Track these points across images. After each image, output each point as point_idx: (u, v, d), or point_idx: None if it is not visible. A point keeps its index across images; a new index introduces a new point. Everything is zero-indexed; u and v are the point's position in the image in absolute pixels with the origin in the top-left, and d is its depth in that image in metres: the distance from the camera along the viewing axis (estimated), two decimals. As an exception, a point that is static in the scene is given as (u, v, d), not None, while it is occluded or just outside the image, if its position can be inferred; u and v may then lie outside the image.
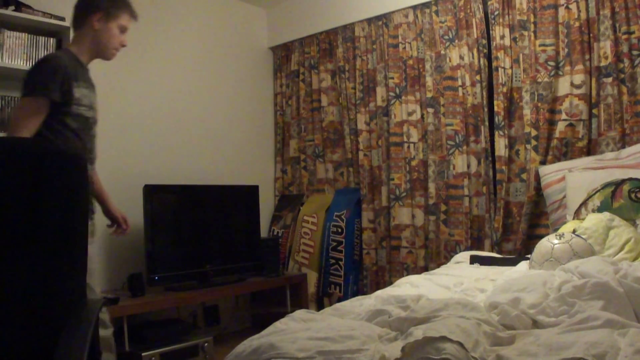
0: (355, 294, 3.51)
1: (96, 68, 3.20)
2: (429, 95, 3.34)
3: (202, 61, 3.82)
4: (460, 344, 1.07)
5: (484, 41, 3.13)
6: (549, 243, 1.92)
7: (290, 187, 4.16)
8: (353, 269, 3.64)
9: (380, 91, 3.59)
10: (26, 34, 2.73)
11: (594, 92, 2.74)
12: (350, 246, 3.65)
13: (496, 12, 3.04)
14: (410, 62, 3.45)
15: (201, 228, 3.41)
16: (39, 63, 2.05)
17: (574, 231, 2.01)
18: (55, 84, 1.93)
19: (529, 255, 2.15)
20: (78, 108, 2.01)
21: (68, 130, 2.00)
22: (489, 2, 3.11)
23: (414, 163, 3.39)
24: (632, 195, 2.16)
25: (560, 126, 2.81)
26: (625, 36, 2.63)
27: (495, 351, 1.11)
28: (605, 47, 2.68)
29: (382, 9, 3.57)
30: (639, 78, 2.61)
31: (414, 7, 3.43)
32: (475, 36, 3.14)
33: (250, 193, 3.69)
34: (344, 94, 3.81)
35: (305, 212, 3.91)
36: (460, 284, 1.93)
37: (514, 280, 1.61)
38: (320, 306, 3.59)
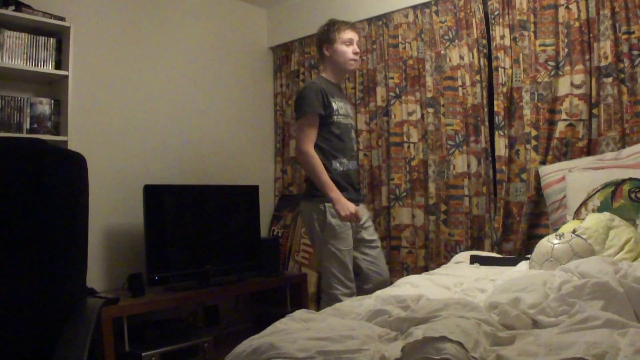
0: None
1: (96, 68, 3.22)
2: (429, 95, 3.34)
3: (202, 61, 3.83)
4: (460, 344, 1.07)
5: (484, 41, 3.13)
6: (549, 243, 1.92)
7: (290, 187, 4.16)
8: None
9: (380, 91, 3.59)
10: (26, 34, 2.73)
11: (594, 92, 2.73)
12: (350, 246, 3.65)
13: (496, 12, 3.04)
14: (410, 62, 3.45)
15: (201, 228, 3.40)
16: (302, 90, 2.66)
17: (574, 231, 2.00)
18: (318, 101, 2.55)
19: (529, 255, 2.15)
20: (338, 117, 2.59)
21: (333, 136, 2.60)
22: (489, 2, 3.10)
23: (414, 163, 3.39)
24: (632, 195, 2.16)
25: (560, 126, 2.81)
26: (625, 36, 2.63)
27: (495, 351, 1.11)
28: (605, 47, 2.68)
29: (382, 9, 3.57)
30: (639, 78, 2.60)
31: (414, 7, 3.43)
32: (475, 36, 3.14)
33: (250, 193, 3.69)
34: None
35: (305, 212, 3.91)
36: (460, 284, 1.93)
37: (514, 280, 1.61)
38: (320, 306, 3.59)
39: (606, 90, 2.69)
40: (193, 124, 3.73)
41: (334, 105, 2.60)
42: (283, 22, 4.23)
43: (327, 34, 2.68)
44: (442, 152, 3.28)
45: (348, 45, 2.65)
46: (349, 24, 2.74)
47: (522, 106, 2.98)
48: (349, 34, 2.66)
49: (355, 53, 2.68)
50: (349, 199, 2.56)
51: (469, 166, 3.16)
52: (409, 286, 1.97)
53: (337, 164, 2.61)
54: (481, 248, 3.04)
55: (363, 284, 2.70)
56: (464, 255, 2.60)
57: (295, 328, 1.37)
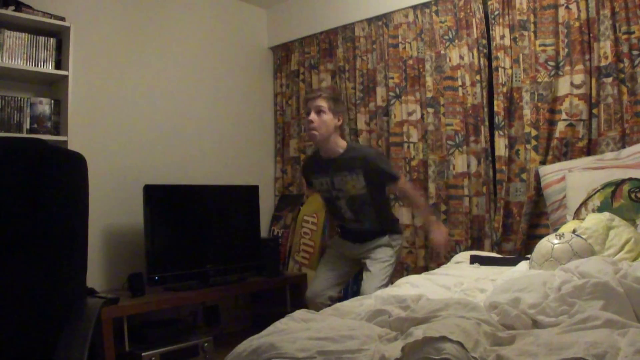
0: (356, 294, 3.50)
1: (96, 68, 3.22)
2: (429, 95, 3.33)
3: (202, 61, 3.82)
4: (460, 344, 1.07)
5: (484, 41, 3.13)
6: (549, 243, 1.92)
7: (290, 187, 4.16)
8: (353, 269, 3.63)
9: (380, 91, 3.59)
10: (26, 34, 2.73)
11: (594, 92, 2.73)
12: (350, 246, 3.64)
13: (496, 12, 3.04)
14: (410, 62, 3.45)
15: (201, 228, 3.40)
16: None
17: (574, 231, 2.00)
18: (304, 179, 3.14)
19: (529, 255, 2.15)
20: (319, 192, 2.86)
21: (323, 198, 2.90)
22: (489, 2, 3.10)
23: (414, 163, 3.39)
24: (632, 195, 2.16)
25: (560, 126, 2.81)
26: (625, 36, 2.63)
27: (495, 351, 1.11)
28: (605, 47, 2.68)
29: (382, 9, 3.57)
30: (639, 78, 2.60)
31: (414, 7, 3.43)
32: (475, 36, 3.14)
33: (250, 193, 3.69)
34: (344, 94, 3.80)
35: (305, 212, 3.91)
36: (460, 284, 1.93)
37: (514, 280, 1.61)
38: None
39: (606, 90, 2.69)
40: (193, 124, 3.73)
41: (314, 182, 2.82)
42: (283, 22, 4.23)
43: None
44: (442, 152, 3.28)
45: (307, 116, 2.59)
46: (307, 96, 2.74)
47: (522, 106, 2.97)
48: (309, 108, 2.59)
49: (309, 122, 2.55)
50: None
51: (469, 166, 3.16)
52: (409, 286, 1.97)
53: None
54: (481, 248, 3.04)
55: None
56: (464, 255, 2.60)
57: (295, 328, 1.37)
